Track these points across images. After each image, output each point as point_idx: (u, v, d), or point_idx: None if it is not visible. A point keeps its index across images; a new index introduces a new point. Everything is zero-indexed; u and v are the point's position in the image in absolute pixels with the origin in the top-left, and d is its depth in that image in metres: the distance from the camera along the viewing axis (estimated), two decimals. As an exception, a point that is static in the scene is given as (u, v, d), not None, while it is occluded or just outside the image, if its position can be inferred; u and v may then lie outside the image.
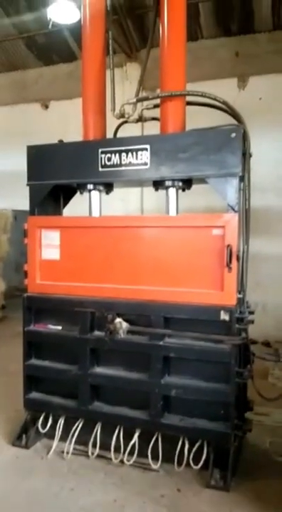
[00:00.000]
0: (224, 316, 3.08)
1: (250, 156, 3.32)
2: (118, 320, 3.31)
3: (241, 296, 3.25)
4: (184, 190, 3.55)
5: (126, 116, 3.53)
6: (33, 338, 3.75)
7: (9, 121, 8.61)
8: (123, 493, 3.05)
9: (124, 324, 3.30)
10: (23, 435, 3.71)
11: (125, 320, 3.34)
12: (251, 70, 7.10)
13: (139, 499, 2.98)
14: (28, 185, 3.71)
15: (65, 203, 4.04)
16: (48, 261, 3.67)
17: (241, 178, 3.21)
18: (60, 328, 3.69)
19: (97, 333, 3.50)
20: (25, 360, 3.75)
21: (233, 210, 3.14)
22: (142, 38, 7.55)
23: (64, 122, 7.63)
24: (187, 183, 3.45)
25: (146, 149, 3.31)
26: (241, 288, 3.29)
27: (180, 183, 3.40)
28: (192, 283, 3.22)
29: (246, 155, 3.22)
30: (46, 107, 8.58)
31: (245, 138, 3.20)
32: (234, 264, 3.05)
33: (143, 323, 3.35)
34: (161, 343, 3.27)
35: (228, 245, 3.06)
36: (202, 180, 3.30)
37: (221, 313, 3.09)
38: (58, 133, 6.09)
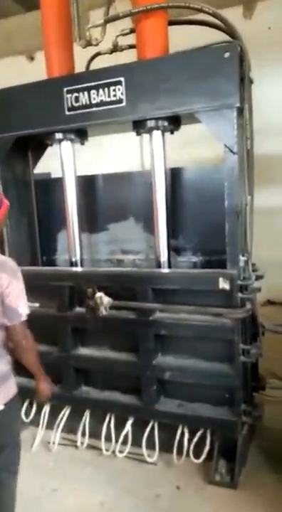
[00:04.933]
0: (223, 285, 2.51)
1: (250, 82, 2.64)
2: (99, 294, 2.78)
3: (244, 258, 2.67)
4: (172, 132, 2.91)
5: (94, 43, 2.84)
6: (8, 318, 3.27)
7: (-8, 78, 7.87)
8: (113, 493, 2.62)
9: (106, 299, 2.76)
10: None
11: (108, 294, 2.81)
12: (259, -5, 6.16)
13: (131, 501, 2.55)
14: (-13, 139, 3.12)
15: (36, 160, 3.46)
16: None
17: (240, 111, 2.55)
18: (37, 305, 3.19)
19: (78, 309, 3.01)
20: (2, 343, 3.30)
21: (232, 151, 2.51)
22: None
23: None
24: (174, 123, 2.81)
25: (119, 82, 2.66)
26: (245, 248, 2.69)
27: (165, 123, 2.76)
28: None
29: (244, 80, 2.54)
30: (32, 58, 7.80)
31: (242, 58, 2.51)
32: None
33: (129, 297, 2.82)
34: (150, 318, 2.75)
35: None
36: (192, 118, 2.64)
37: (220, 280, 2.52)
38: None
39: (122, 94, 2.66)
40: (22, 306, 1.93)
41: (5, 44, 8.03)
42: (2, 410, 1.89)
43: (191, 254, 3.19)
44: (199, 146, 4.78)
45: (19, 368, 3.30)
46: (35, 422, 3.26)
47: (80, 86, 2.76)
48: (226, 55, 2.43)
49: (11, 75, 7.77)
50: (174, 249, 3.15)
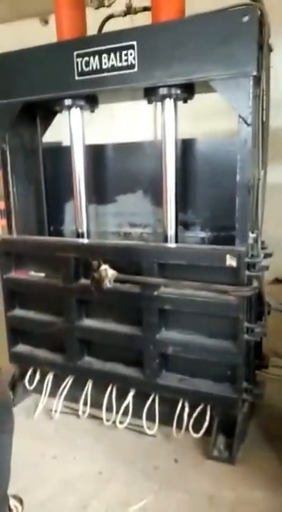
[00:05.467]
0: (230, 262, 2.46)
1: (270, 50, 2.51)
2: (104, 267, 2.75)
3: (254, 235, 2.59)
4: (185, 100, 2.80)
5: (106, 4, 2.72)
6: (13, 287, 3.27)
7: (5, 43, 7.66)
8: (111, 463, 2.65)
9: (111, 272, 2.73)
10: (10, 392, 3.35)
11: (113, 267, 2.78)
12: None
13: (129, 471, 2.58)
14: (-5, 104, 3.04)
15: (45, 127, 3.38)
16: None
17: (257, 80, 2.42)
18: (42, 275, 3.18)
19: (83, 281, 2.98)
20: (7, 311, 3.31)
21: (246, 122, 2.40)
22: None
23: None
24: (188, 91, 2.70)
25: (132, 47, 2.54)
26: (255, 225, 2.62)
27: (178, 91, 2.65)
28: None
29: (263, 48, 2.40)
30: (46, 22, 7.56)
31: (262, 22, 2.37)
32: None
33: (134, 271, 2.78)
34: (155, 293, 2.72)
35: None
36: (207, 86, 2.52)
37: (227, 257, 2.47)
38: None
39: (134, 59, 2.54)
40: None
41: (18, 6, 7.79)
42: None
43: (200, 229, 3.11)
44: (218, 118, 4.62)
45: (22, 336, 3.38)
46: (38, 390, 3.30)
47: (90, 50, 2.64)
48: (245, 19, 2.28)
49: (26, 38, 7.58)
50: (182, 224, 3.09)
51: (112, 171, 3.33)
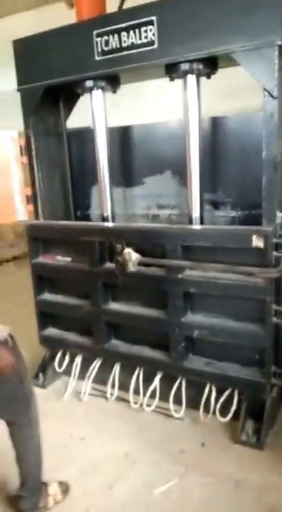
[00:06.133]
0: (257, 242, 2.37)
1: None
2: (127, 250, 2.73)
3: (282, 214, 2.48)
4: (208, 76, 2.69)
5: (125, -22, 2.64)
6: (41, 272, 3.32)
7: (33, 28, 7.67)
8: (138, 445, 2.66)
9: (134, 255, 2.71)
10: (40, 374, 3.44)
11: (138, 250, 2.75)
12: None
13: (155, 454, 2.58)
14: (18, 90, 3.05)
15: (69, 111, 3.36)
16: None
17: (283, 49, 2.29)
18: (69, 259, 3.20)
19: (108, 265, 2.97)
20: (36, 295, 3.37)
21: (272, 95, 2.28)
22: None
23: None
24: (211, 66, 2.59)
25: (151, 22, 2.46)
26: (283, 204, 2.50)
27: (200, 66, 2.54)
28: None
29: (289, 14, 2.26)
30: (72, 5, 7.48)
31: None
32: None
33: (159, 254, 2.74)
34: (180, 276, 2.67)
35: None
36: (230, 59, 2.41)
37: (253, 238, 2.38)
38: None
39: (153, 35, 2.46)
40: None
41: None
42: None
43: (231, 208, 3.01)
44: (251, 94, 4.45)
45: (52, 320, 3.43)
46: (67, 372, 3.35)
47: (109, 28, 2.57)
48: (269, -17, 2.15)
49: (53, 23, 7.56)
50: (212, 204, 3.01)
51: (139, 152, 3.28)
